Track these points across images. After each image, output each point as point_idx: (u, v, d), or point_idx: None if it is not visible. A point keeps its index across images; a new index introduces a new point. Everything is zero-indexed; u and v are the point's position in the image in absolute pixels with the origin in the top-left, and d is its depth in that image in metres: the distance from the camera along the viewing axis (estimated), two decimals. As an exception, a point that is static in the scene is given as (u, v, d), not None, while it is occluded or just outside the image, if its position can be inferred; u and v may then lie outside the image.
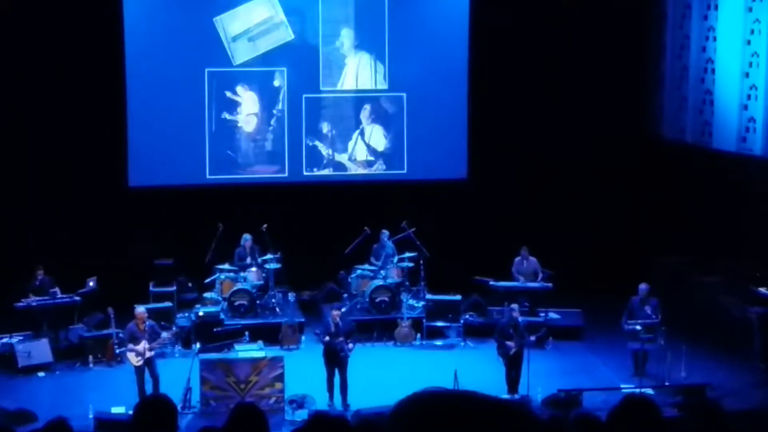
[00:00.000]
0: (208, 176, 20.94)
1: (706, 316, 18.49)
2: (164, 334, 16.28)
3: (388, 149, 21.54)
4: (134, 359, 15.79)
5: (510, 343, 16.13)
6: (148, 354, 15.73)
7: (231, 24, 20.78)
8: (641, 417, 5.09)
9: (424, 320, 19.00)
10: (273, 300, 19.48)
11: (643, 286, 17.15)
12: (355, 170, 21.58)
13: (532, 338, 16.52)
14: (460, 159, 21.58)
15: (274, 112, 21.22)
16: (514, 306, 16.89)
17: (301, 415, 14.91)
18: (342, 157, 21.54)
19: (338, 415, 10.60)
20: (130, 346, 15.86)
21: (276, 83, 21.14)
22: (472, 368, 16.65)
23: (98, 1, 20.08)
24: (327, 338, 16.06)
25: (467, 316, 19.25)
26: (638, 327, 16.81)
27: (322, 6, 21.06)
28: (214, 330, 17.80)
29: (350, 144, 21.52)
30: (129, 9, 20.28)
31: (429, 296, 19.23)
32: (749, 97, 18.80)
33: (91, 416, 14.77)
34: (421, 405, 2.87)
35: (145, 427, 5.40)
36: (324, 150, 21.47)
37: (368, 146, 21.52)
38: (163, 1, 20.78)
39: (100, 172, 20.35)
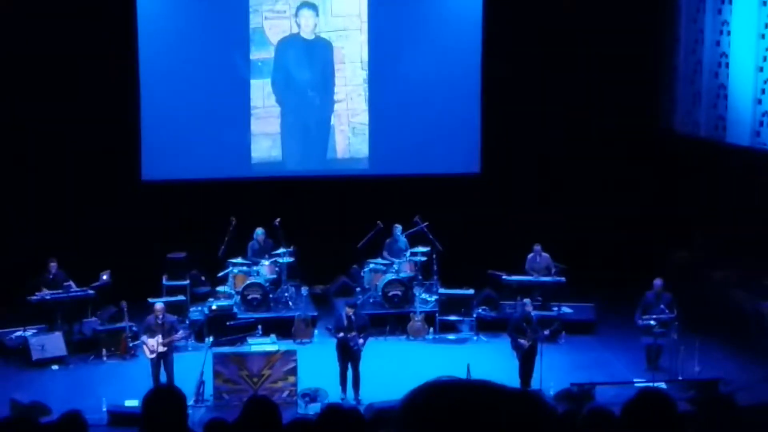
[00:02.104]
0: (221, 170, 20.96)
1: (719, 311, 18.45)
2: (178, 334, 16.17)
3: (401, 144, 21.51)
4: (147, 352, 15.84)
5: (523, 341, 16.12)
6: (161, 349, 15.74)
7: (245, 18, 20.79)
8: (656, 411, 5.08)
9: (436, 314, 19.00)
10: (286, 294, 19.49)
11: (657, 281, 17.13)
12: (367, 164, 21.57)
13: (546, 332, 16.51)
14: (473, 153, 21.58)
15: (289, 106, 21.24)
16: (527, 300, 16.84)
17: (314, 408, 14.92)
18: (355, 151, 21.53)
19: (351, 408, 10.61)
20: (144, 338, 15.91)
21: (290, 77, 21.15)
22: (485, 362, 16.63)
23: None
24: (341, 335, 16.07)
25: (480, 311, 19.24)
26: (652, 322, 16.81)
27: (335, 1, 21.06)
28: (227, 323, 17.84)
29: (363, 138, 21.50)
30: (143, 1, 20.31)
31: (442, 290, 19.23)
32: (763, 91, 18.72)
33: (104, 409, 14.81)
34: (434, 393, 2.87)
35: (155, 417, 5.38)
36: (338, 144, 21.47)
37: (381, 140, 21.49)
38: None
39: (114, 165, 20.42)
